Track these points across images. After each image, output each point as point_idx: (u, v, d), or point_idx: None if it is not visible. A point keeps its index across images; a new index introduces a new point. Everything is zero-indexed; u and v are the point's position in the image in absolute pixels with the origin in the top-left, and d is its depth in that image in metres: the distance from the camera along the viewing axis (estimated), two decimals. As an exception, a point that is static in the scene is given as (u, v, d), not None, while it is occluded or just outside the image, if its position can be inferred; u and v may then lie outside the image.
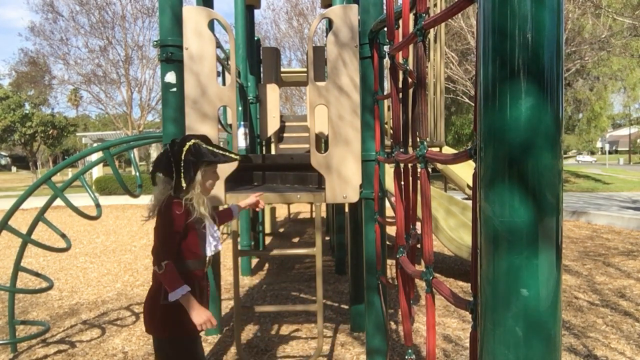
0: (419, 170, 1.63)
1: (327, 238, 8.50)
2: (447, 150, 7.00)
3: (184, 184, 2.02)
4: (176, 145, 2.09)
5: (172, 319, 2.01)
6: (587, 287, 4.98)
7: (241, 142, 5.26)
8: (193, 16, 2.81)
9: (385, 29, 2.32)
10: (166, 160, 2.08)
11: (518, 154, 0.88)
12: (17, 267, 3.55)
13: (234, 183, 3.13)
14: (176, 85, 2.80)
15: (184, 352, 2.09)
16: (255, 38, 6.43)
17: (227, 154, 2.20)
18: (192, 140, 2.10)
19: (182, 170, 2.03)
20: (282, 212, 12.35)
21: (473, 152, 1.06)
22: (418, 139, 1.59)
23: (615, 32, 15.12)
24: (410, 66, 2.22)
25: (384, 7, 2.34)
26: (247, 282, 5.61)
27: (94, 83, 23.54)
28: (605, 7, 14.30)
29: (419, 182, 1.85)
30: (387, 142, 4.79)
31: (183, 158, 2.04)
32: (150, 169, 2.22)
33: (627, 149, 50.23)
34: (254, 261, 6.71)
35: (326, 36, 3.62)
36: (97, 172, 20.52)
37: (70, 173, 23.05)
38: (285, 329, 3.99)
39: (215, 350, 3.64)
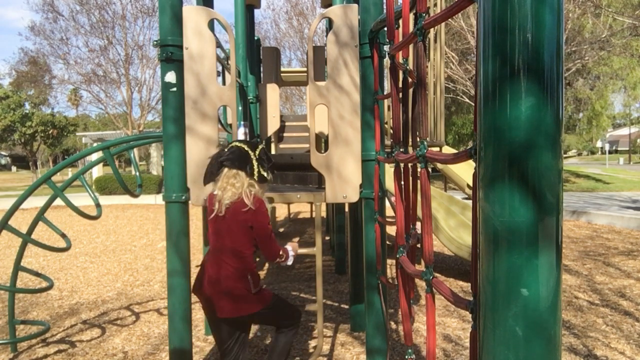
0: (419, 170, 1.63)
1: (327, 238, 8.50)
2: (447, 150, 6.99)
3: (269, 176, 2.43)
4: (248, 143, 2.45)
5: (262, 295, 2.41)
6: (587, 287, 4.98)
7: (241, 141, 5.23)
8: (193, 16, 2.80)
9: (385, 28, 2.31)
10: (244, 155, 2.38)
11: (518, 154, 0.88)
12: (17, 267, 3.55)
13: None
14: (176, 85, 2.80)
15: (278, 303, 2.56)
16: (255, 38, 6.43)
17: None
18: (262, 146, 2.50)
19: (265, 164, 2.43)
20: (282, 212, 12.35)
21: (473, 152, 1.06)
22: (418, 139, 1.59)
23: (615, 32, 15.11)
24: (410, 66, 2.22)
25: (384, 7, 2.34)
26: (247, 282, 5.61)
27: (94, 83, 23.53)
28: (606, 7, 14.30)
29: (419, 182, 1.84)
30: (387, 142, 4.78)
31: (264, 155, 2.43)
32: (212, 163, 2.46)
33: (627, 148, 50.21)
34: (254, 261, 6.70)
35: (326, 36, 3.62)
36: (97, 171, 20.52)
37: (70, 173, 23.06)
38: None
39: (215, 350, 3.64)
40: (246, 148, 2.42)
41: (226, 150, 2.44)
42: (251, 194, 2.36)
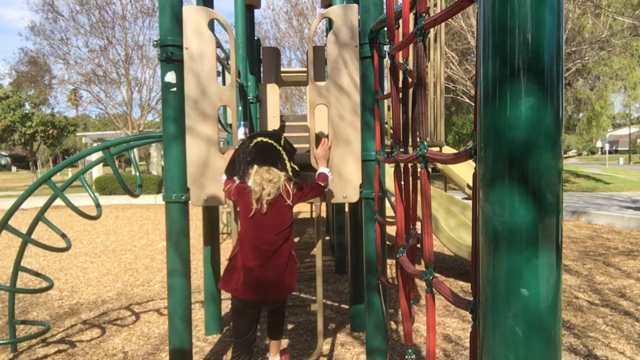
0: (419, 170, 1.63)
1: (327, 238, 8.50)
2: (447, 150, 6.99)
3: (297, 168, 2.52)
4: (272, 136, 2.51)
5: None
6: (587, 287, 4.98)
7: (241, 141, 5.24)
8: (193, 16, 2.80)
9: (385, 28, 2.31)
10: (273, 150, 2.47)
11: (518, 154, 0.88)
12: (17, 267, 3.55)
13: (234, 183, 3.14)
14: (176, 85, 2.80)
15: None
16: (255, 38, 6.43)
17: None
18: (283, 135, 2.59)
19: (293, 155, 2.54)
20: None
21: (473, 152, 1.06)
22: (418, 139, 1.59)
23: (615, 32, 15.11)
24: (410, 66, 2.22)
25: (384, 7, 2.34)
26: (247, 282, 5.61)
27: (94, 83, 23.53)
28: (606, 7, 14.30)
29: (419, 182, 1.84)
30: (387, 142, 4.78)
31: (288, 146, 2.53)
32: (239, 160, 2.51)
33: (627, 148, 50.20)
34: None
35: (326, 36, 3.62)
36: (97, 171, 20.51)
37: (70, 173, 23.05)
38: (285, 329, 3.99)
39: (215, 350, 3.64)
40: (273, 143, 2.48)
41: (251, 146, 2.47)
42: (291, 188, 2.49)
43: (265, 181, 2.43)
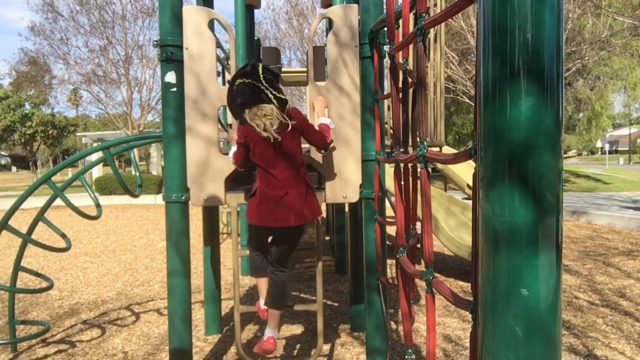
0: (419, 170, 1.63)
1: (327, 238, 8.50)
2: (447, 150, 6.99)
3: (285, 96, 2.53)
4: (250, 75, 2.49)
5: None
6: (587, 287, 4.98)
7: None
8: (193, 16, 2.80)
9: (385, 28, 2.31)
10: (253, 89, 2.47)
11: (518, 154, 0.88)
12: (17, 267, 3.55)
13: (234, 183, 3.13)
14: (176, 85, 2.80)
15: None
16: (255, 38, 6.43)
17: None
18: (259, 65, 2.53)
19: (275, 83, 2.52)
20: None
21: (473, 152, 1.06)
22: (418, 139, 1.59)
23: (615, 32, 15.11)
24: (410, 66, 2.22)
25: (384, 7, 2.34)
26: (247, 282, 5.61)
27: (94, 83, 23.51)
28: (606, 7, 14.30)
29: (419, 182, 1.84)
30: (387, 142, 4.78)
31: (268, 75, 2.50)
32: (232, 104, 2.57)
33: (627, 148, 50.19)
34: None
35: (326, 36, 3.62)
36: (97, 172, 20.50)
37: (70, 173, 23.05)
38: (285, 329, 3.99)
39: (215, 350, 3.64)
40: (251, 81, 2.49)
41: (234, 88, 2.51)
42: (286, 116, 2.53)
43: (260, 117, 2.49)
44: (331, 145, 2.75)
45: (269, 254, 2.79)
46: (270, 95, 2.48)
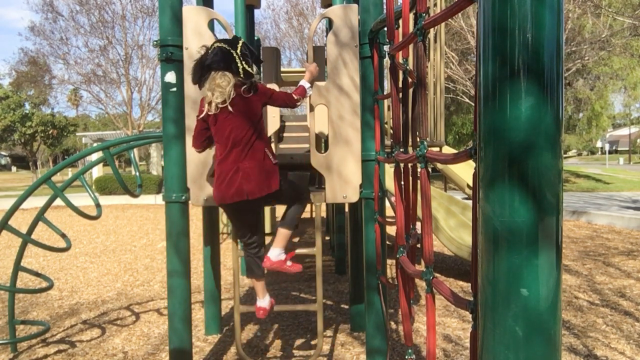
0: (419, 170, 1.63)
1: (327, 238, 8.50)
2: (447, 150, 6.99)
3: (253, 70, 2.54)
4: (229, 42, 2.53)
5: (277, 170, 2.65)
6: (587, 287, 4.98)
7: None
8: (193, 16, 2.81)
9: (385, 28, 2.31)
10: (226, 54, 2.48)
11: (518, 154, 0.88)
12: (17, 267, 3.55)
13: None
14: (176, 85, 2.80)
15: (294, 180, 3.04)
16: (255, 38, 6.42)
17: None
18: (242, 40, 2.58)
19: (249, 58, 2.52)
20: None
21: (473, 152, 1.06)
22: (418, 139, 1.59)
23: (615, 32, 15.10)
24: (410, 66, 2.22)
25: (384, 7, 2.34)
26: (247, 282, 5.61)
27: (94, 83, 23.50)
28: (606, 7, 14.30)
29: (419, 182, 1.84)
30: (387, 142, 4.79)
31: (245, 50, 2.52)
32: (196, 67, 2.56)
33: (627, 148, 50.18)
34: (254, 261, 6.70)
35: (326, 36, 3.62)
36: (97, 172, 20.50)
37: (70, 173, 23.04)
38: (285, 329, 3.99)
39: (215, 350, 3.64)
40: (227, 47, 2.50)
41: (209, 52, 2.53)
42: (242, 91, 2.50)
43: (215, 86, 2.48)
44: (298, 104, 2.73)
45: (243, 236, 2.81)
46: (239, 66, 2.49)
